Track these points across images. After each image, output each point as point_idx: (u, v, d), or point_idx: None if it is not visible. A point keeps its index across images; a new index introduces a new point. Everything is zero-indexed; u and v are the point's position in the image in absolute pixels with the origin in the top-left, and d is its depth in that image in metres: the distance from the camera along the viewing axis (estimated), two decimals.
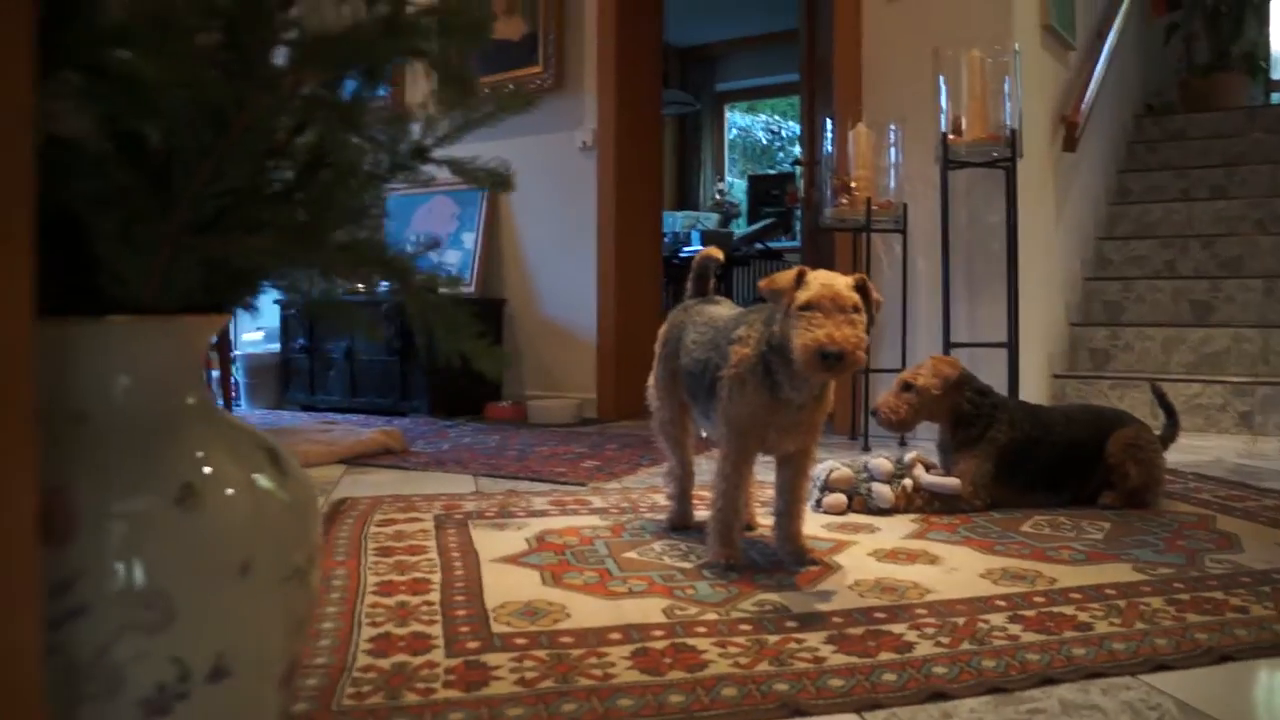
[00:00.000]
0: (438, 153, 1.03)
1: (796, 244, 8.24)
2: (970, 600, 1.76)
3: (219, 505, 0.88)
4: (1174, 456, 3.33)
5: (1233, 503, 2.66)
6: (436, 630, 1.58)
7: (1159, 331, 4.79)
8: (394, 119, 1.01)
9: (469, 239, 5.27)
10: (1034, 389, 4.25)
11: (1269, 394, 4.19)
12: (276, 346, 5.50)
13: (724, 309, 2.18)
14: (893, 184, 3.96)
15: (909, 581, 1.88)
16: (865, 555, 2.10)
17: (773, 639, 1.54)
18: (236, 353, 5.53)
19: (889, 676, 1.39)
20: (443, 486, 2.94)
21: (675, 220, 8.84)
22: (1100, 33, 5.42)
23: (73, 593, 0.81)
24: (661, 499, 2.54)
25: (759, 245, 8.31)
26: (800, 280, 1.79)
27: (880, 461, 2.57)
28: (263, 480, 0.94)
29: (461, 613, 1.67)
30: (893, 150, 3.97)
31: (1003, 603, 1.75)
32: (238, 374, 5.47)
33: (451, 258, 5.26)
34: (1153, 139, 6.52)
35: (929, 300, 3.99)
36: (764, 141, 11.79)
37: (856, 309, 1.76)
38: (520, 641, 1.52)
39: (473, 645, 1.50)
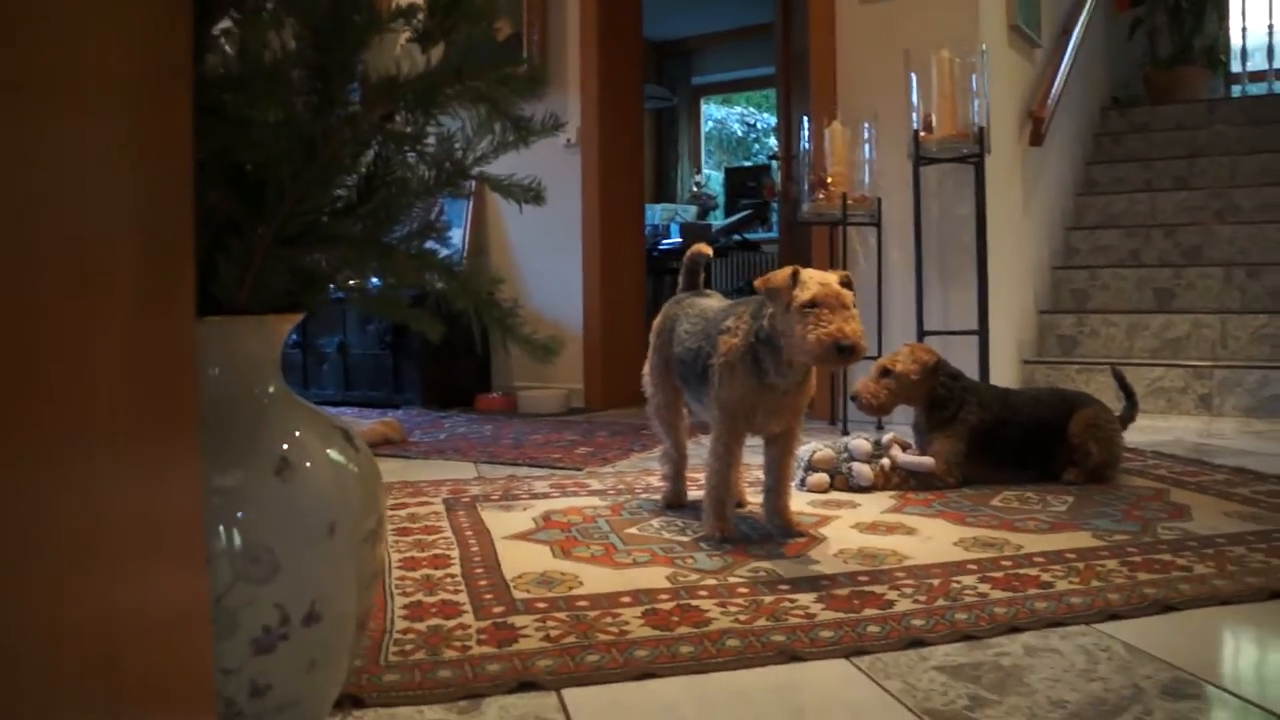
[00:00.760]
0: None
1: (774, 235, 8.42)
2: (944, 565, 1.94)
3: (309, 476, 1.03)
4: (1136, 436, 3.53)
5: (1187, 478, 2.85)
6: (463, 598, 1.74)
7: (1123, 318, 4.99)
8: (443, 140, 1.16)
9: (456, 235, 5.40)
10: (1004, 374, 4.44)
11: (1226, 377, 4.40)
12: None
13: (714, 301, 2.35)
14: (867, 179, 4.14)
15: (888, 550, 2.06)
16: (848, 528, 2.27)
17: (768, 599, 1.71)
18: None
19: (873, 629, 1.57)
20: (446, 473, 3.09)
21: (654, 213, 8.99)
22: (1066, 29, 5.61)
23: None
24: (655, 481, 2.70)
25: (737, 237, 8.48)
26: (796, 279, 1.96)
27: (860, 442, 2.75)
28: (337, 455, 1.10)
29: (483, 582, 1.83)
30: (867, 147, 4.14)
31: (974, 566, 1.93)
32: None
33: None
34: (1118, 131, 6.73)
35: (903, 290, 4.17)
36: (739, 134, 11.95)
37: (851, 304, 1.94)
38: (541, 605, 1.69)
39: (498, 610, 1.67)
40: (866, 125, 4.14)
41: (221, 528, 0.98)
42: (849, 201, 4.01)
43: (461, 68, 0.96)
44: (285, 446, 1.04)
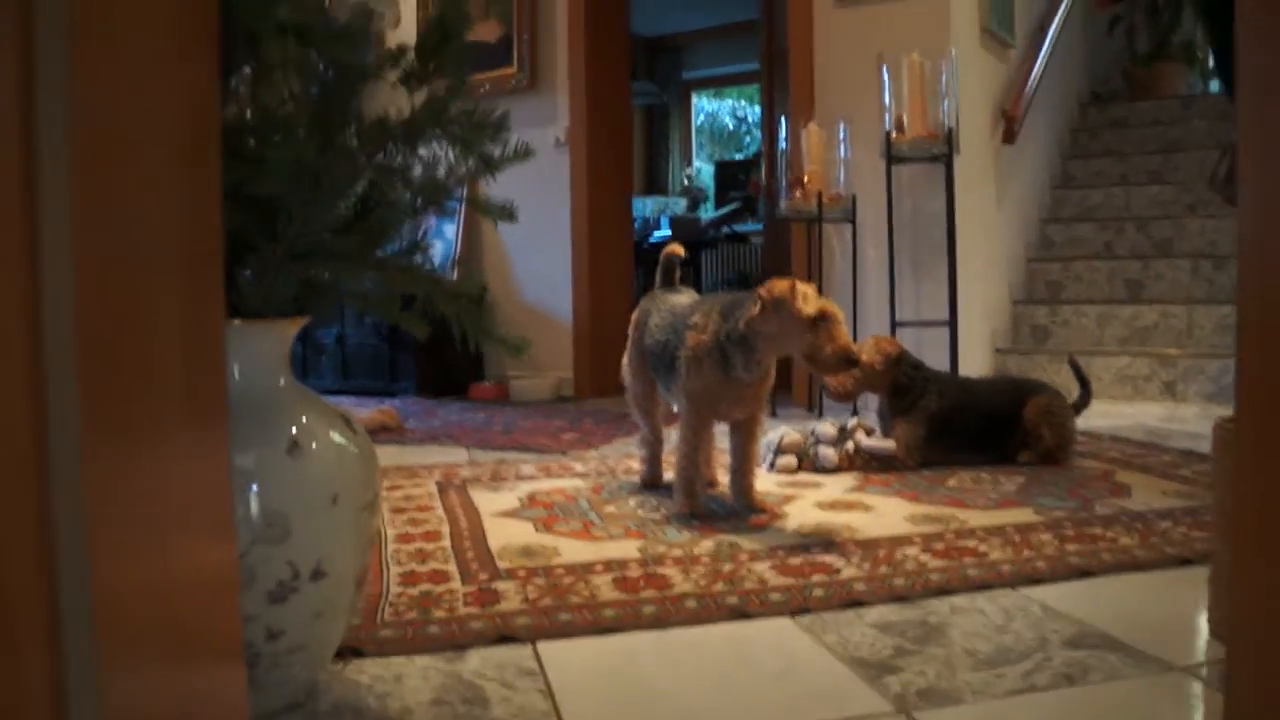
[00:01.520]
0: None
1: (761, 227, 8.60)
2: (892, 538, 2.13)
3: (315, 455, 1.22)
4: (1097, 421, 3.73)
5: (1135, 459, 3.04)
6: (451, 567, 1.93)
7: (1094, 308, 5.18)
8: (427, 166, 1.35)
9: (450, 230, 5.58)
10: (978, 363, 4.64)
11: (1190, 365, 4.59)
12: None
13: (684, 298, 2.54)
14: (842, 178, 4.32)
15: (843, 525, 2.25)
16: (810, 506, 2.46)
17: (727, 567, 1.90)
18: None
19: (818, 592, 1.76)
20: (439, 458, 3.28)
21: (645, 205, 9.18)
22: (1041, 29, 5.77)
23: None
24: (635, 464, 2.89)
25: (726, 229, 8.66)
26: (794, 292, 2.15)
27: (826, 427, 2.94)
28: (339, 438, 1.28)
29: (470, 554, 2.02)
30: (842, 146, 4.32)
31: (919, 539, 2.12)
32: None
33: (435, 248, 5.58)
34: (1096, 126, 6.90)
35: (878, 284, 4.35)
36: (730, 126, 12.12)
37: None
38: (521, 573, 1.88)
39: (483, 576, 1.86)
40: (841, 125, 4.32)
41: (242, 498, 1.16)
42: (825, 200, 4.19)
43: (439, 113, 1.15)
44: (295, 430, 1.22)
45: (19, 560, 0.53)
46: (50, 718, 0.58)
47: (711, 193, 10.10)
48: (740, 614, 1.65)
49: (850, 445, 2.92)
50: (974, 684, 1.37)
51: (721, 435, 2.52)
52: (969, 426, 3.00)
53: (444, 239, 5.60)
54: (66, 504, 0.55)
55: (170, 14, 0.80)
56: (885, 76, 4.17)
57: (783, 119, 4.58)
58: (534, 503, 2.51)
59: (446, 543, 2.12)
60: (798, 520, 2.31)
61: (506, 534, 2.19)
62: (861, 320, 4.38)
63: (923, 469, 2.93)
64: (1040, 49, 5.57)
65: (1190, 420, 4.00)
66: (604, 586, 1.79)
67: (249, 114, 1.12)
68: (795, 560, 1.95)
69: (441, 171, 1.34)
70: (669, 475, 2.65)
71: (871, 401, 3.33)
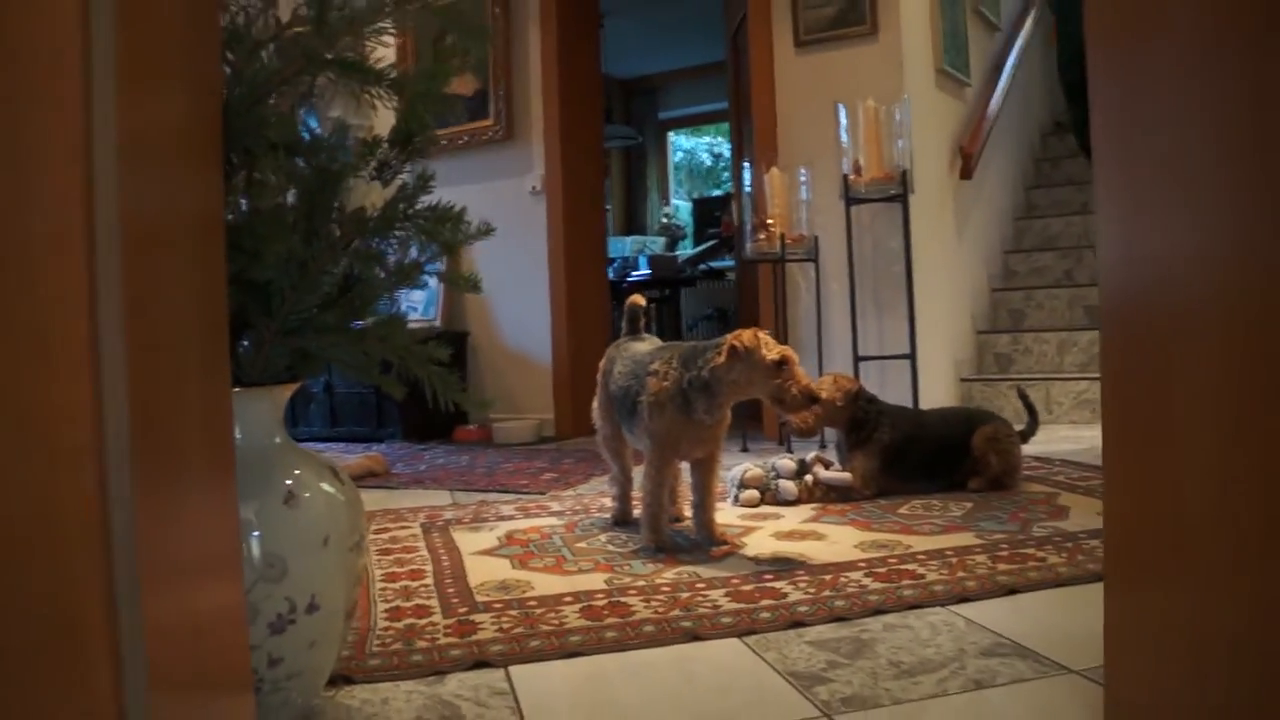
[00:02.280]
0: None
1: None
2: (840, 564, 2.31)
3: (308, 503, 1.40)
4: (1051, 446, 3.93)
5: (1080, 483, 3.23)
6: (434, 602, 2.10)
7: (1054, 335, 5.39)
8: (401, 245, 1.54)
9: (432, 279, 5.77)
10: (942, 393, 4.84)
11: None
12: None
13: (645, 346, 2.74)
14: (804, 219, 4.54)
15: (797, 553, 2.43)
16: (768, 536, 2.65)
17: (685, 595, 2.08)
18: None
19: (765, 615, 1.94)
20: (424, 501, 3.46)
21: (624, 245, 9.38)
22: (997, 66, 6.02)
23: None
24: (608, 502, 3.07)
25: (703, 266, 8.87)
26: (758, 341, 2.36)
27: (785, 461, 3.13)
28: (328, 487, 1.47)
29: (451, 590, 2.19)
30: (803, 189, 4.54)
31: (864, 564, 2.30)
32: None
33: (417, 295, 5.77)
34: (1058, 156, 7.14)
35: (841, 319, 4.56)
36: (708, 164, 12.39)
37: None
38: (497, 605, 2.05)
39: (462, 610, 2.03)
40: (802, 170, 4.54)
41: (246, 543, 1.34)
42: (788, 241, 4.41)
43: (407, 210, 1.35)
44: (289, 482, 1.41)
45: (92, 598, 0.71)
46: None
47: (690, 230, 10.32)
48: (693, 636, 1.84)
49: (809, 478, 3.11)
50: (894, 691, 1.56)
51: (687, 471, 2.71)
52: (922, 456, 3.19)
53: (427, 286, 5.79)
54: (123, 552, 0.73)
55: (186, 134, 0.99)
56: (843, 120, 4.40)
57: (746, 165, 4.80)
58: (512, 541, 2.69)
59: (430, 580, 2.30)
60: (755, 550, 2.49)
61: (485, 571, 2.37)
62: (827, 355, 4.58)
63: (878, 498, 3.11)
64: (996, 85, 5.81)
65: None
66: (571, 615, 1.97)
67: (245, 211, 1.32)
68: (747, 587, 2.13)
69: (414, 252, 1.54)
70: (639, 511, 2.83)
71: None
